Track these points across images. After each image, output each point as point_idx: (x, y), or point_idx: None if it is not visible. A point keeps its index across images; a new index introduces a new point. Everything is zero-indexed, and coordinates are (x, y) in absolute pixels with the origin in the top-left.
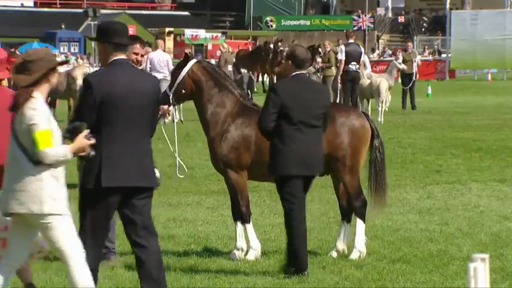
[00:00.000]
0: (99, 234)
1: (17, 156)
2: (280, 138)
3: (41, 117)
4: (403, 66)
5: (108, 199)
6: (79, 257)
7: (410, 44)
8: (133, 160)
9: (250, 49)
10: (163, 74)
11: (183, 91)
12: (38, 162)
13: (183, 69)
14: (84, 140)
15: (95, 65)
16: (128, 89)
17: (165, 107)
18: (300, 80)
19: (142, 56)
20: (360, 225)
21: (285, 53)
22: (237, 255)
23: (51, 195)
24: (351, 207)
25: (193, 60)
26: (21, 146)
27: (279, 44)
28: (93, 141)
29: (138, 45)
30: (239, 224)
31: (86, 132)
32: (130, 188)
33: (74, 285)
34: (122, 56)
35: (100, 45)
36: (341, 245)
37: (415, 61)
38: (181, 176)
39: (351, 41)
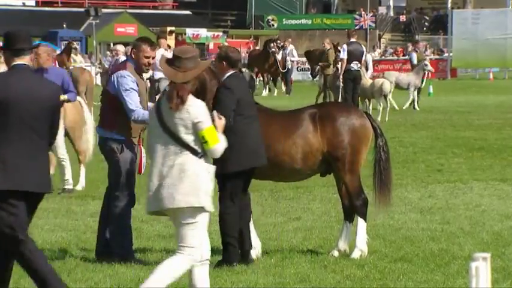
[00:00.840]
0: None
1: (172, 152)
2: (234, 134)
3: (205, 114)
4: (429, 68)
5: (2, 203)
6: (207, 257)
7: (420, 44)
8: (27, 165)
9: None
10: None
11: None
12: (201, 157)
13: None
14: (221, 121)
15: (96, 64)
16: (24, 93)
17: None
18: (237, 77)
19: (153, 58)
20: (361, 224)
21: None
22: None
23: (205, 190)
24: (352, 206)
25: None
26: (179, 141)
27: (271, 45)
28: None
29: (148, 48)
30: None
31: (215, 113)
32: (25, 192)
33: (195, 284)
34: (22, 61)
35: (3, 53)
36: (343, 245)
37: (426, 60)
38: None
39: (353, 40)
